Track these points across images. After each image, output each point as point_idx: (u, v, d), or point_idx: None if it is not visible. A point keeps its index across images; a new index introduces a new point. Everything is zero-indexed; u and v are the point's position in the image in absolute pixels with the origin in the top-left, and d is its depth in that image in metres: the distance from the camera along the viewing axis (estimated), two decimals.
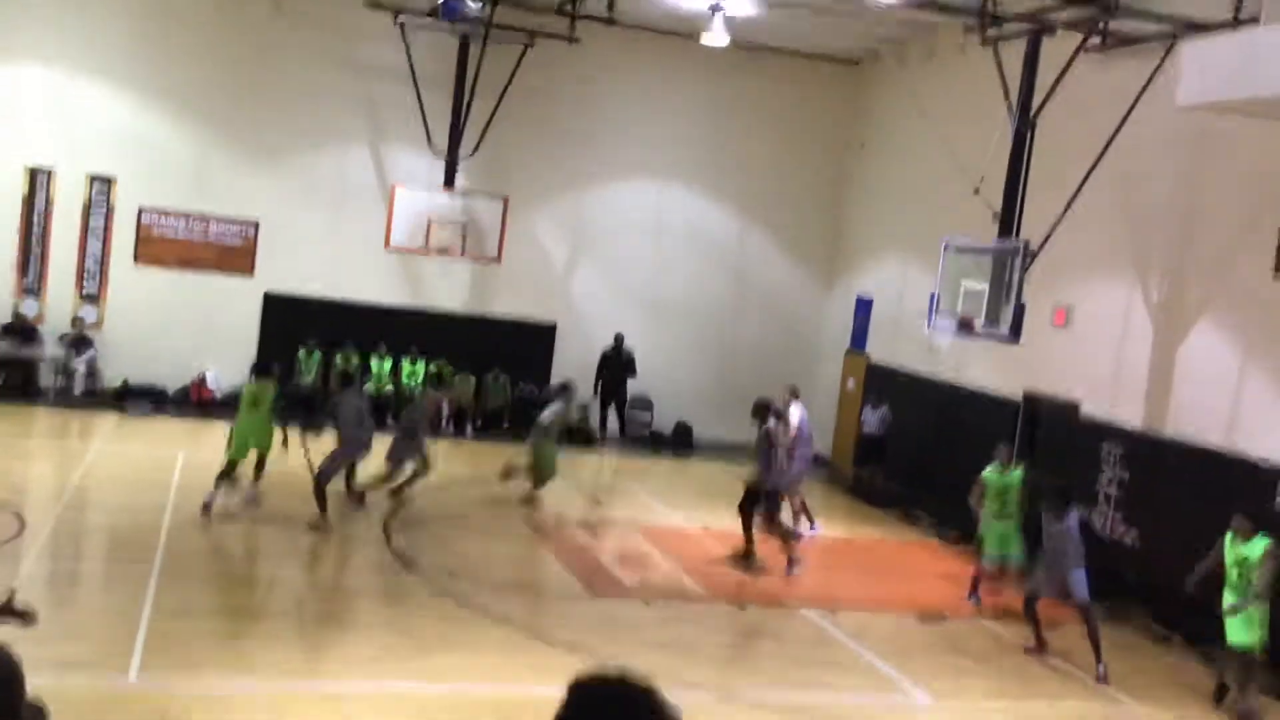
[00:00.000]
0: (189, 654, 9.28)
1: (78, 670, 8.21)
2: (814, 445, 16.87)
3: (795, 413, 15.86)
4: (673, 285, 22.46)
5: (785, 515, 14.83)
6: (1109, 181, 14.52)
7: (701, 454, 21.06)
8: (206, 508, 13.34)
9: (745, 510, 14.12)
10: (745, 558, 14.02)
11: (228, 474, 13.68)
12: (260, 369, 14.70)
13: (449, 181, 20.54)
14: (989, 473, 13.46)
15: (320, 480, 13.55)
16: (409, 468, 14.99)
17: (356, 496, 14.76)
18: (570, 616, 11.47)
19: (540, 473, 16.09)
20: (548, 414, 16.34)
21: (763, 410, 14.43)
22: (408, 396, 20.49)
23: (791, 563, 13.75)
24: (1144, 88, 13.82)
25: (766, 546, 14.05)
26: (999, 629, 12.54)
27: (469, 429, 21.11)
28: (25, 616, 4.87)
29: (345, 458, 14.20)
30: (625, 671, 2.22)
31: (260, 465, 13.87)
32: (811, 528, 16.11)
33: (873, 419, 19.26)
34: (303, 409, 19.93)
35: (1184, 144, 14.23)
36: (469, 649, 10.07)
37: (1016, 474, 13.43)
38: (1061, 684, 11.07)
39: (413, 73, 19.88)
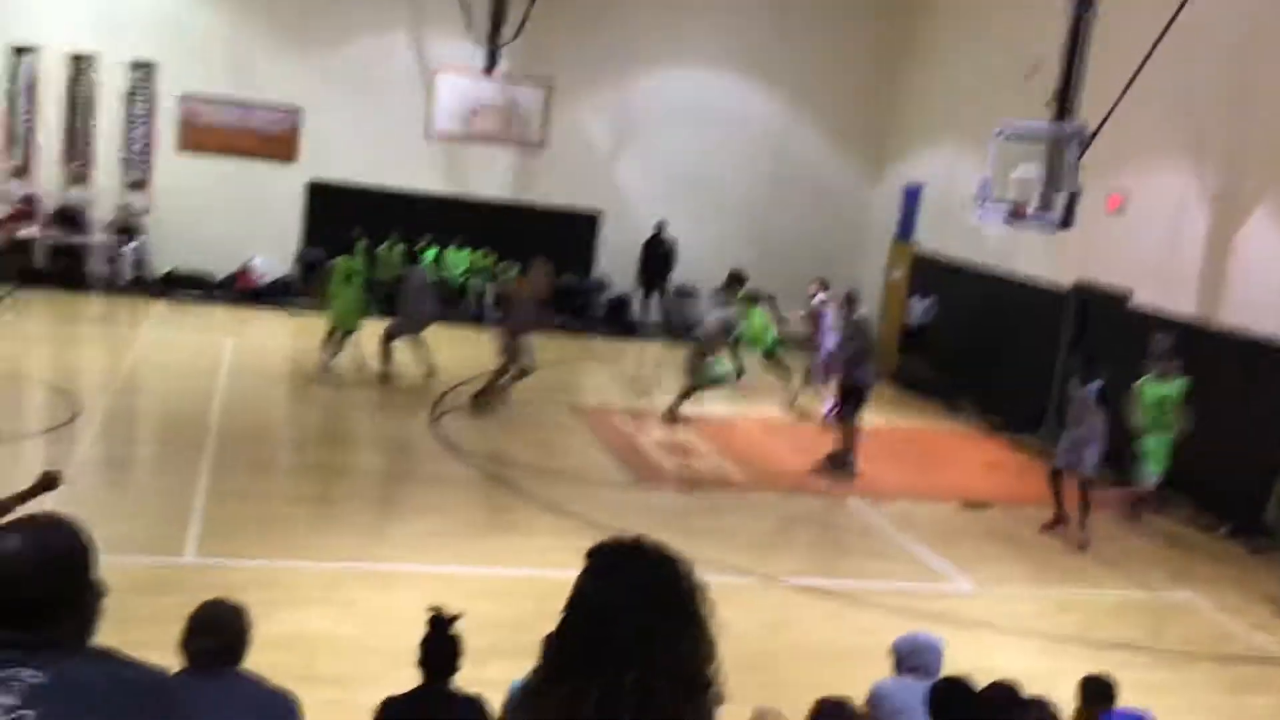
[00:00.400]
0: (243, 535, 9.47)
1: (133, 549, 8.39)
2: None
3: (822, 299, 16.53)
4: (718, 174, 22.17)
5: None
6: (1168, 64, 14.06)
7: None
8: (325, 368, 15.07)
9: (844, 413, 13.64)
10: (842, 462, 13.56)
11: (330, 339, 15.29)
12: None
13: (490, 67, 20.25)
14: (1145, 381, 12.46)
15: (386, 336, 15.24)
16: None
17: (481, 398, 14.41)
18: (616, 503, 11.56)
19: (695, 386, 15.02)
20: (712, 320, 15.44)
21: (851, 301, 14.23)
22: (451, 286, 20.53)
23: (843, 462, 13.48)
24: None
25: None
26: (1038, 514, 12.53)
27: None
28: (53, 478, 5.25)
29: (408, 326, 15.43)
30: (641, 537, 2.24)
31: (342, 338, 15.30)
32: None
33: (919, 308, 19.10)
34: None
35: (1245, 26, 13.76)
36: (518, 533, 10.20)
37: (1179, 382, 12.32)
38: (1105, 572, 11.07)
39: None
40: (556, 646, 2.14)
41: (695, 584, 2.22)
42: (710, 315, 15.68)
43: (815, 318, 16.63)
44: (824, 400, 15.86)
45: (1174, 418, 12.17)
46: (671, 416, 14.78)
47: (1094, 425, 11.72)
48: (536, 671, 2.16)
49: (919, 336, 19.26)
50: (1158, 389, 12.31)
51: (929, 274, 19.81)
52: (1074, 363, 12.63)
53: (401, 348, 15.42)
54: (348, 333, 15.32)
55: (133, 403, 13.80)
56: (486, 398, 14.34)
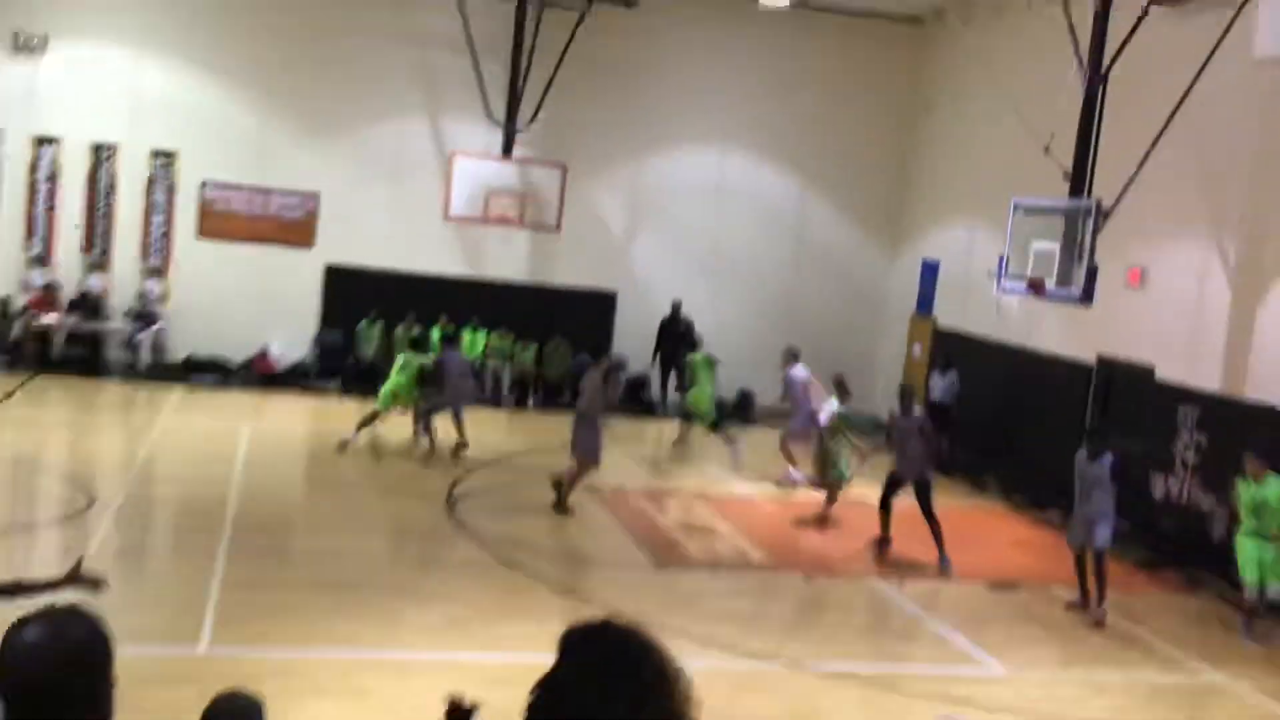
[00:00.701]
0: (258, 624, 9.32)
1: (149, 641, 8.25)
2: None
3: (798, 373, 16.55)
4: (734, 251, 22.23)
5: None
6: (1183, 138, 14.08)
7: (764, 422, 20.85)
8: (343, 444, 15.37)
9: (885, 503, 13.40)
10: (881, 545, 13.38)
11: (368, 421, 15.79)
12: (415, 343, 17.16)
13: (507, 150, 20.43)
14: (1242, 486, 11.61)
15: (426, 412, 15.93)
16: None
17: (561, 503, 13.72)
18: (635, 587, 11.38)
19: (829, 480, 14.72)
20: (824, 415, 15.15)
21: (907, 396, 13.89)
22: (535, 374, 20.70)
23: (942, 556, 12.98)
24: (1219, 40, 13.34)
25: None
26: (1070, 597, 12.28)
27: (530, 399, 21.08)
28: (95, 583, 4.85)
29: (448, 403, 15.95)
30: (612, 616, 2.31)
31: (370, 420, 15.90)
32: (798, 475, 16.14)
33: (941, 385, 18.93)
34: (366, 379, 20.09)
35: (1261, 98, 13.77)
36: (534, 619, 10.00)
37: (1275, 485, 11.37)
38: (1137, 653, 10.81)
39: (470, 42, 19.73)
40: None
41: (660, 666, 2.24)
42: (823, 411, 15.37)
43: (791, 387, 16.66)
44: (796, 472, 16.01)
45: (1272, 522, 11.22)
46: (822, 519, 14.49)
47: (1105, 500, 11.54)
48: None
49: (942, 414, 19.05)
50: (1250, 491, 11.41)
51: (950, 349, 19.71)
52: (1086, 436, 12.34)
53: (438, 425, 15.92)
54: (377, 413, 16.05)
55: (149, 490, 13.73)
56: (566, 499, 13.73)
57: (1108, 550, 11.65)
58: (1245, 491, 11.38)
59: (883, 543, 13.30)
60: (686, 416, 18.48)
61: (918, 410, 13.79)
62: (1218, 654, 10.71)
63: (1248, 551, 11.25)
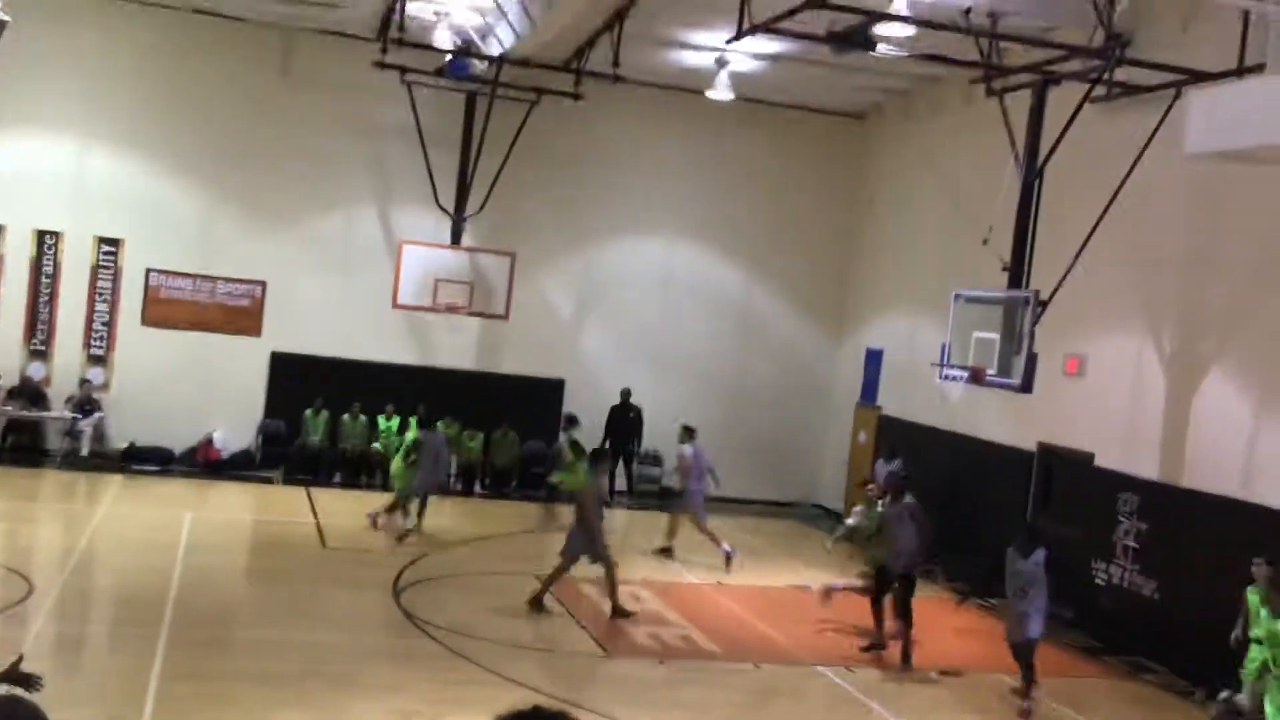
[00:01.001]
0: (199, 717, 9.13)
1: None
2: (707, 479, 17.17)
3: (689, 450, 17.06)
4: (681, 340, 22.42)
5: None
6: (1119, 230, 14.51)
7: (713, 509, 20.93)
8: (374, 521, 16.57)
9: (877, 599, 13.17)
10: (875, 645, 13.13)
11: (396, 506, 16.69)
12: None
13: (456, 239, 20.58)
14: (1251, 595, 11.05)
15: (398, 501, 16.61)
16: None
17: (535, 601, 13.48)
18: (585, 677, 11.30)
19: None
20: (854, 519, 15.13)
21: (898, 486, 13.79)
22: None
23: (906, 656, 12.76)
24: (1151, 137, 13.84)
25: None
26: (1015, 682, 12.33)
27: (477, 486, 20.99)
28: (31, 681, 4.76)
29: (420, 487, 16.63)
30: (540, 706, 2.51)
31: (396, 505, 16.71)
32: (728, 550, 16.43)
33: (883, 472, 19.06)
34: (309, 468, 19.93)
35: (1193, 192, 14.23)
36: (483, 710, 9.88)
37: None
38: None
39: (419, 132, 19.97)
40: None
41: None
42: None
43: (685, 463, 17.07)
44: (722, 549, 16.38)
45: None
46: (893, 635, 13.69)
47: (1039, 596, 11.54)
48: None
49: None
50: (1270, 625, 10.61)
51: (894, 436, 19.90)
52: (1019, 535, 12.33)
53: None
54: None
55: (88, 581, 13.47)
56: (542, 595, 13.50)
57: (1038, 642, 11.63)
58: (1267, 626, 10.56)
59: (877, 646, 13.03)
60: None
61: (908, 499, 13.36)
62: None
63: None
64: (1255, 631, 10.64)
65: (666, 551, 17.10)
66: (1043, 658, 11.77)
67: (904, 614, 12.80)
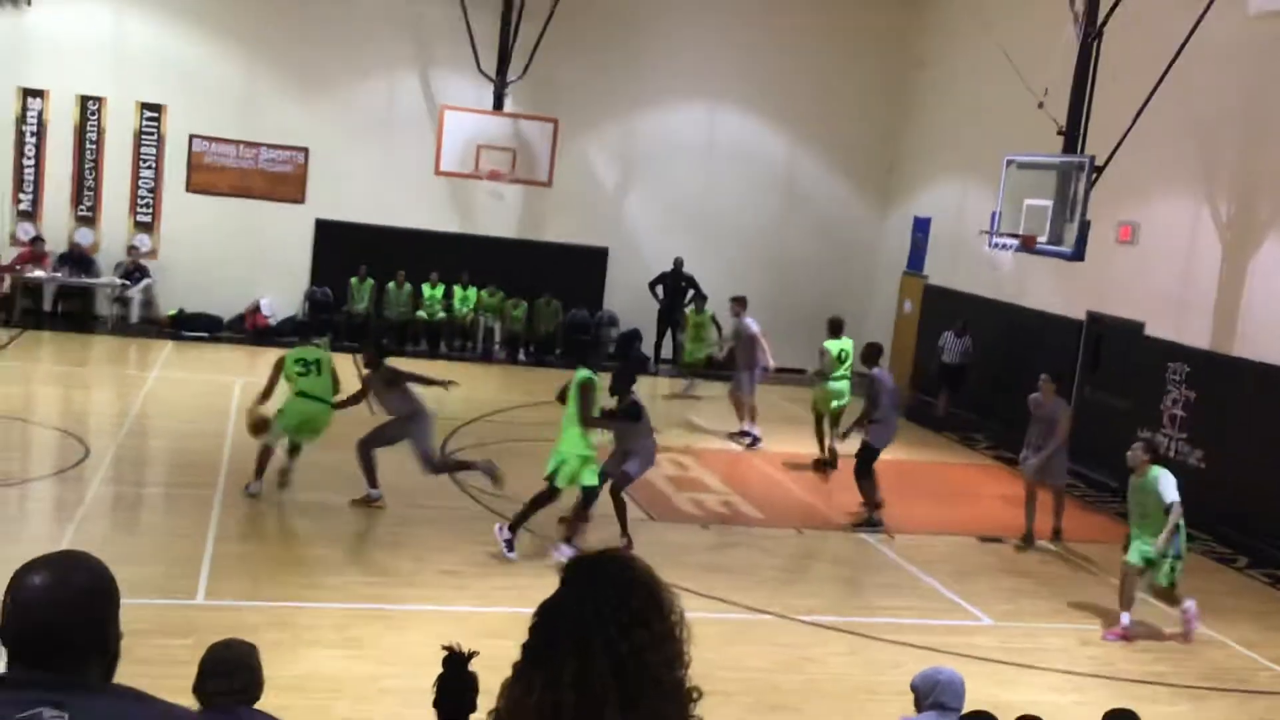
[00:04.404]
0: (255, 576, 9.38)
1: (144, 592, 8.30)
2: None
3: (749, 322, 16.47)
4: (725, 208, 22.19)
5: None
6: (1177, 94, 14.06)
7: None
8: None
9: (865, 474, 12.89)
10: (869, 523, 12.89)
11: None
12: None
13: (498, 105, 20.33)
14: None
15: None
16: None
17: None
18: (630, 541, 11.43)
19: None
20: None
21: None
22: (460, 324, 20.55)
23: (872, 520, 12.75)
24: None
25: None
26: (1056, 549, 12.41)
27: (521, 354, 21.10)
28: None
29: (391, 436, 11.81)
30: (610, 550, 2.52)
31: None
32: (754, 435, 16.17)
33: (956, 346, 18.84)
34: (355, 335, 20.07)
35: (1255, 54, 13.76)
36: (529, 573, 10.08)
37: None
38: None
39: None
40: (529, 640, 2.44)
41: (653, 595, 2.43)
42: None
43: (749, 339, 16.45)
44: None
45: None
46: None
47: (1063, 439, 12.18)
48: (518, 663, 2.42)
49: (955, 375, 18.87)
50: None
51: (943, 306, 19.74)
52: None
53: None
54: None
55: (142, 444, 13.74)
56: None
57: (1063, 488, 12.34)
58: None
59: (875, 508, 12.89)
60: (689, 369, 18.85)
61: (876, 370, 13.05)
62: (1203, 605, 10.81)
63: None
64: None
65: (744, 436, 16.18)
66: (1087, 524, 11.83)
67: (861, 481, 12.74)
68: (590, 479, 10.60)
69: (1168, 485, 9.85)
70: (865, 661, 8.98)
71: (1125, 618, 10.04)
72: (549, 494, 10.61)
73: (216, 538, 10.15)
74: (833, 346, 15.22)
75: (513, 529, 10.49)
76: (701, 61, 21.83)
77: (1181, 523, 9.90)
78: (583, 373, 10.48)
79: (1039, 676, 9.00)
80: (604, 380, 10.80)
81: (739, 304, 16.84)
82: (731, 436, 16.29)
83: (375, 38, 20.61)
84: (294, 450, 11.80)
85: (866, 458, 12.80)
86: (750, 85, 22.05)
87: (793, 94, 22.14)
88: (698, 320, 18.46)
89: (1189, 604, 10.02)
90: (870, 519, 12.72)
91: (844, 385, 15.14)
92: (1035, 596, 11.07)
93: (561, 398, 10.94)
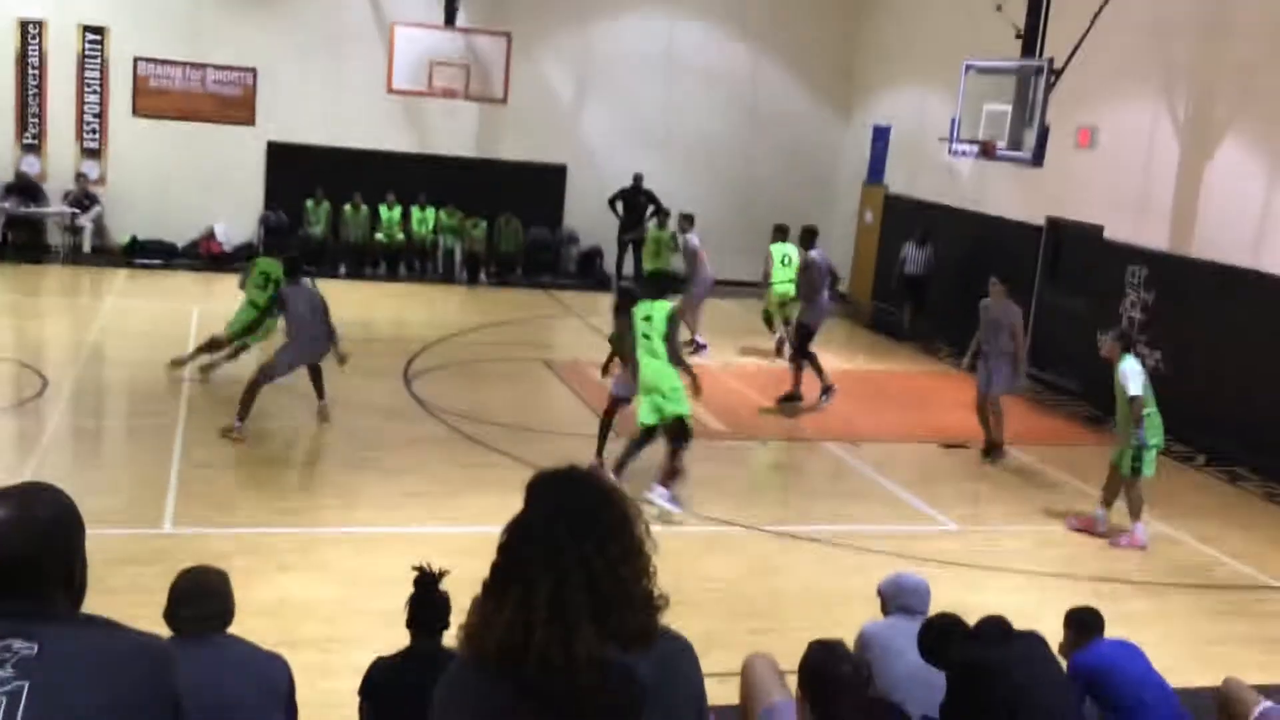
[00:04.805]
0: (220, 503, 9.35)
1: (110, 522, 8.26)
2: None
3: (694, 239, 16.54)
4: (684, 121, 21.98)
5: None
6: None
7: (720, 292, 20.97)
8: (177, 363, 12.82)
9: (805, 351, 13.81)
10: (792, 398, 13.78)
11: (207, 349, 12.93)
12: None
13: (450, 20, 19.93)
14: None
15: (258, 379, 11.20)
16: None
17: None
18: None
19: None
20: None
21: (810, 237, 14.33)
22: (419, 245, 20.36)
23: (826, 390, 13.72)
24: None
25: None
26: (1018, 453, 12.57)
27: (482, 275, 20.96)
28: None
29: (294, 360, 11.48)
30: (574, 466, 2.60)
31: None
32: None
33: (917, 257, 18.79)
34: (312, 259, 19.84)
35: None
36: (496, 492, 10.08)
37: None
38: (1085, 507, 11.10)
39: None
40: (499, 560, 2.47)
41: (622, 508, 2.48)
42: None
43: (690, 254, 16.59)
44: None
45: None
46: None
47: (1008, 345, 12.07)
48: (487, 581, 2.46)
49: (916, 287, 18.86)
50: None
51: (903, 214, 19.73)
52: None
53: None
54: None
55: (100, 374, 13.59)
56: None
57: (998, 397, 12.13)
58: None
59: (794, 398, 13.68)
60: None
61: (812, 254, 14.07)
62: (1160, 504, 11.02)
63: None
64: None
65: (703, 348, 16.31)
66: (1047, 427, 11.97)
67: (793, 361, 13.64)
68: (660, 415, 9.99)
69: (1127, 377, 9.95)
70: (832, 569, 9.09)
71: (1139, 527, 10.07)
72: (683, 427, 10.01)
73: (180, 465, 10.09)
74: (776, 251, 16.10)
75: (665, 484, 9.90)
76: None
77: (1152, 412, 9.97)
78: (668, 304, 10.13)
79: (1002, 578, 9.15)
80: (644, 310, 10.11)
81: (687, 221, 16.89)
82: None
83: None
84: (237, 352, 12.64)
85: (803, 336, 13.61)
86: None
87: (750, 3, 21.84)
88: (656, 236, 18.36)
89: (1138, 527, 10.10)
90: (791, 394, 13.64)
91: (789, 288, 15.55)
92: (996, 501, 11.24)
93: (616, 338, 10.96)
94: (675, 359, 9.99)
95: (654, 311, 10.00)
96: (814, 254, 13.99)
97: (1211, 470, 12.70)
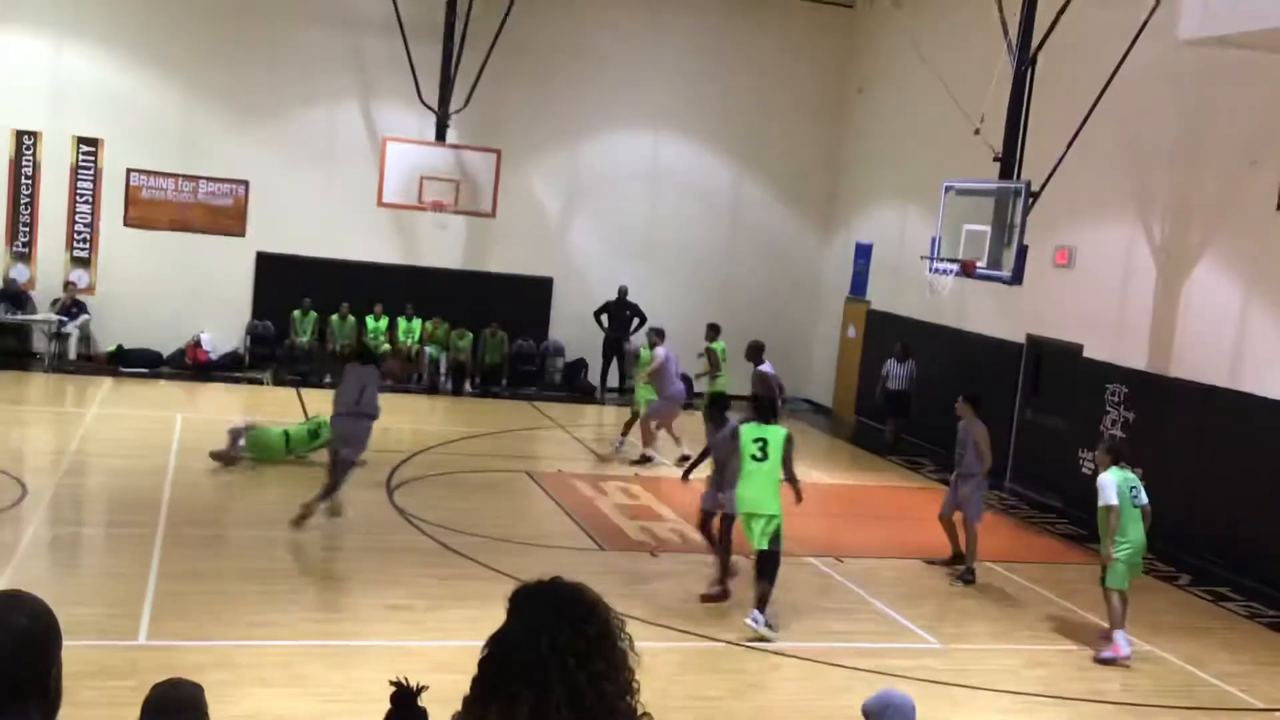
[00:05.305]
0: (198, 615, 9.23)
1: (85, 634, 8.15)
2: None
3: (662, 352, 16.44)
4: (669, 235, 22.29)
5: None
6: (1110, 119, 14.36)
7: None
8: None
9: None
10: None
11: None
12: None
13: (440, 136, 20.29)
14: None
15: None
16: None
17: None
18: (577, 569, 11.35)
19: None
20: None
21: (756, 351, 15.39)
22: (405, 355, 20.45)
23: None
24: (1145, 22, 13.62)
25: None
26: (1002, 571, 12.53)
27: (467, 386, 21.01)
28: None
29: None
30: (558, 579, 2.52)
31: None
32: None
33: (900, 373, 18.86)
34: (298, 368, 19.91)
35: (1185, 79, 14.07)
36: (479, 604, 10.00)
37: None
38: (1073, 627, 11.04)
39: (400, 24, 19.55)
40: (480, 674, 2.42)
41: (605, 621, 2.44)
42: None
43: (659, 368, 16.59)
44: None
45: None
46: None
47: (977, 465, 12.15)
48: (468, 697, 2.42)
49: (899, 401, 18.84)
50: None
51: (886, 331, 19.92)
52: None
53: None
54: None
55: (81, 483, 13.51)
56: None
57: (974, 521, 12.14)
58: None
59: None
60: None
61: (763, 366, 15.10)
62: (1146, 624, 10.96)
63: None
64: None
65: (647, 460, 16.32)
66: (1030, 546, 11.94)
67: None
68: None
69: (1101, 488, 10.04)
70: (818, 687, 9.00)
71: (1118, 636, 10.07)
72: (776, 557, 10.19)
73: (158, 576, 9.99)
74: (718, 347, 17.42)
75: (760, 609, 9.95)
76: (645, 89, 21.96)
77: (1134, 524, 10.02)
78: (782, 429, 10.41)
79: (988, 698, 9.06)
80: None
81: (656, 335, 16.82)
82: (677, 462, 16.31)
83: (315, 69, 20.53)
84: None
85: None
86: (694, 112, 22.22)
87: (735, 121, 22.33)
88: (647, 357, 18.34)
89: (1119, 637, 10.07)
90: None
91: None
92: (982, 618, 11.17)
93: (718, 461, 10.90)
94: (790, 477, 10.29)
95: (768, 435, 10.20)
96: (764, 368, 15.27)
97: (1195, 590, 12.66)
